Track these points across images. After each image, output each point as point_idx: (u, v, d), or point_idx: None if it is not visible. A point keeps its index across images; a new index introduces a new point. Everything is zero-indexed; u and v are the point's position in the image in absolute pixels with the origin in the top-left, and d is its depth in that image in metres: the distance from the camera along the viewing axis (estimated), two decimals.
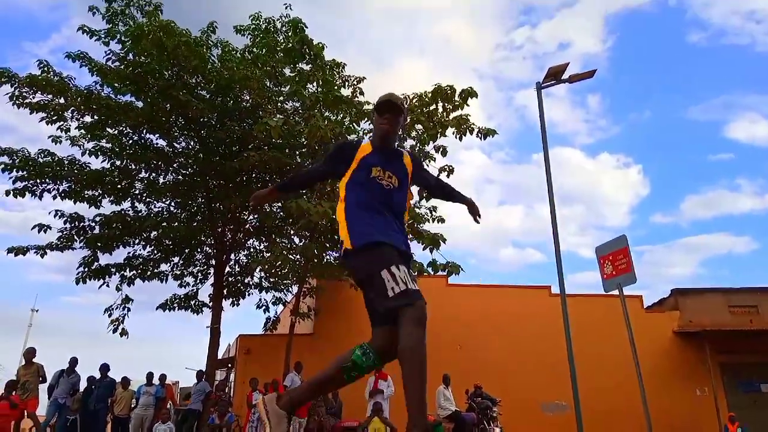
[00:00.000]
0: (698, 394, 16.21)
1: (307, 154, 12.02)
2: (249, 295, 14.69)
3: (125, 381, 12.08)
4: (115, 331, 12.58)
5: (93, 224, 12.61)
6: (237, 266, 14.65)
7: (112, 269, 12.93)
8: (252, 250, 14.74)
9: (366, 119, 11.80)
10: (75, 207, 12.38)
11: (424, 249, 11.17)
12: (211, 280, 13.82)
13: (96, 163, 12.50)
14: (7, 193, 11.70)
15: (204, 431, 11.78)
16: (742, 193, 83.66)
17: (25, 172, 11.56)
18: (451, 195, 3.28)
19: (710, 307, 17.35)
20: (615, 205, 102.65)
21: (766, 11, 79.01)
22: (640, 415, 7.44)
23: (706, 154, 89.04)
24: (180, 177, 13.28)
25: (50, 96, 11.44)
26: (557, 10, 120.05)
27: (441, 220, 12.59)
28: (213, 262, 13.94)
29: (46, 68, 11.27)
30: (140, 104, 11.87)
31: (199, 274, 14.38)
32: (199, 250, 14.17)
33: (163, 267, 13.75)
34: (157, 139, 12.84)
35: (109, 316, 12.70)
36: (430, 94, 11.06)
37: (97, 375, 11.67)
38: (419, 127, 11.36)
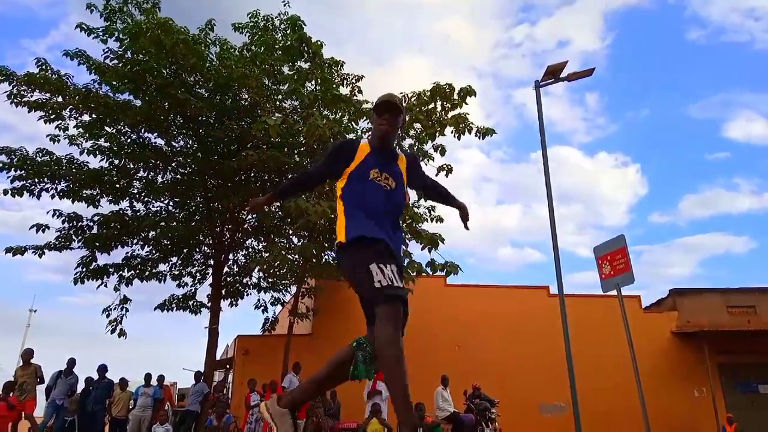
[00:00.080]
0: (696, 394, 16.22)
1: (306, 153, 12.00)
2: (247, 295, 14.67)
3: (123, 382, 12.04)
4: (113, 331, 12.54)
5: (91, 224, 12.56)
6: (235, 266, 14.63)
7: (111, 269, 12.88)
8: (250, 250, 14.71)
9: (365, 118, 11.77)
10: (73, 206, 12.34)
11: (422, 249, 11.17)
12: (210, 280, 13.79)
13: (94, 162, 12.47)
14: (5, 192, 11.66)
15: None
16: (739, 192, 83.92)
17: (23, 172, 11.51)
18: (445, 197, 3.22)
19: (708, 307, 17.37)
20: (613, 205, 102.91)
21: (765, 9, 79.29)
22: (638, 416, 7.43)
23: (704, 153, 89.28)
24: (178, 176, 13.24)
25: (48, 94, 11.40)
26: (557, 8, 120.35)
27: (439, 219, 12.57)
28: (211, 262, 13.90)
29: (44, 66, 11.24)
30: (138, 103, 11.83)
31: (198, 274, 14.34)
32: (197, 249, 14.13)
33: (162, 267, 13.70)
34: (155, 138, 12.81)
35: (107, 316, 12.66)
36: (428, 93, 11.05)
37: (95, 376, 11.64)
38: (418, 125, 11.35)
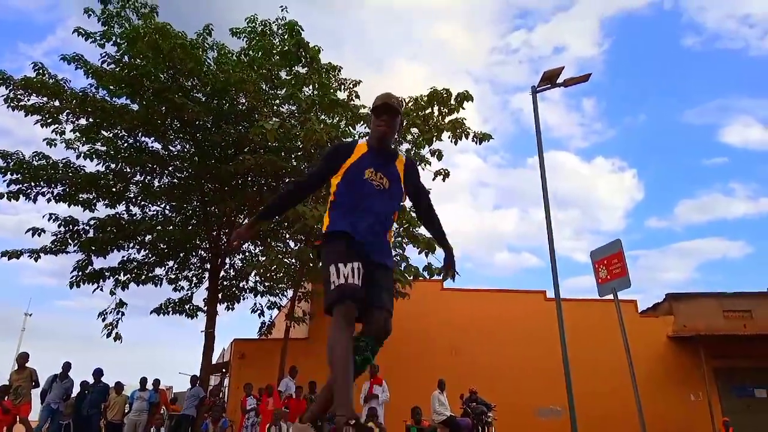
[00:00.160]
0: (693, 398, 16.24)
1: (303, 157, 12.01)
2: (244, 299, 14.66)
3: (119, 386, 11.99)
4: (109, 335, 12.52)
5: (87, 228, 12.54)
6: (232, 270, 14.62)
7: (107, 273, 12.87)
8: (247, 254, 14.70)
9: (362, 122, 11.80)
10: (69, 210, 12.36)
11: (419, 253, 11.16)
12: (206, 284, 13.76)
13: (91, 166, 12.49)
14: (1, 195, 11.65)
15: None
16: (736, 197, 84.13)
17: (19, 175, 11.51)
18: (437, 230, 3.07)
19: (704, 311, 17.41)
20: (610, 210, 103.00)
21: (760, 15, 79.78)
22: (634, 420, 7.44)
23: (700, 158, 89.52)
24: (175, 180, 13.24)
25: (45, 98, 11.41)
26: (553, 14, 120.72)
27: None
28: (208, 266, 13.88)
29: (41, 70, 11.24)
30: (135, 107, 11.84)
31: (194, 278, 14.32)
32: (194, 253, 14.11)
33: (158, 271, 13.68)
34: (152, 142, 12.82)
35: (103, 320, 12.64)
36: (426, 98, 11.09)
37: (91, 380, 11.58)
38: (415, 130, 11.38)
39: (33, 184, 11.77)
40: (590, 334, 14.92)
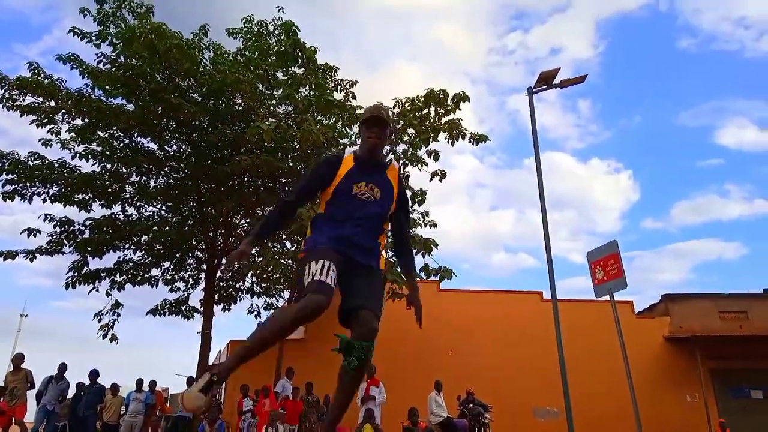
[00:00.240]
0: (689, 399, 16.26)
1: (300, 158, 12.00)
2: (240, 300, 14.65)
3: (115, 387, 11.95)
4: (104, 336, 12.49)
5: (83, 228, 12.51)
6: (228, 271, 14.56)
7: (102, 274, 12.83)
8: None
9: (358, 123, 11.76)
10: (65, 211, 12.36)
11: (416, 254, 11.16)
12: (202, 285, 13.75)
13: (86, 167, 12.45)
14: None
15: None
16: (731, 199, 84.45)
17: (14, 175, 11.46)
18: (406, 262, 3.01)
19: (700, 312, 17.45)
20: (606, 211, 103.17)
21: (755, 17, 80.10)
22: (631, 421, 7.44)
23: (695, 160, 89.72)
24: (171, 181, 13.21)
25: (41, 99, 11.38)
26: (549, 15, 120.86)
27: (433, 224, 12.59)
28: (204, 266, 13.86)
29: (36, 70, 11.21)
30: (131, 107, 11.81)
31: (190, 279, 14.30)
32: (190, 254, 14.08)
33: (154, 272, 13.67)
34: (148, 143, 12.79)
35: (99, 321, 12.62)
36: (422, 99, 11.09)
37: (87, 381, 11.54)
38: (411, 131, 11.37)
39: (28, 184, 11.73)
40: (587, 335, 14.94)
